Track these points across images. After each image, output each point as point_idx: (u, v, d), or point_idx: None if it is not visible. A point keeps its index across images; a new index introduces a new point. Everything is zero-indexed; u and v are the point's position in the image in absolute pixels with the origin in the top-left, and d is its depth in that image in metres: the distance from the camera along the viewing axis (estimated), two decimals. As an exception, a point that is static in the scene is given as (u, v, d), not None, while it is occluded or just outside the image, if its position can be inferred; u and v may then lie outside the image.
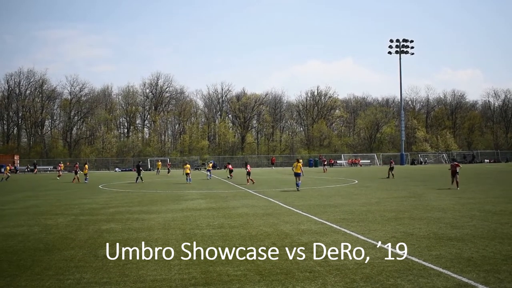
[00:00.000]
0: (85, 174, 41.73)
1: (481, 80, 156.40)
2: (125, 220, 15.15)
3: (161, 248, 10.42)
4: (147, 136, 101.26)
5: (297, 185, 25.94)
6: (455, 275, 7.74)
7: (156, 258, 9.44)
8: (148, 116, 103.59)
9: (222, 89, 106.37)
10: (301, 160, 28.01)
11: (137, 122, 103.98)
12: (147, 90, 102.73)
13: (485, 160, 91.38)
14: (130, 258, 9.45)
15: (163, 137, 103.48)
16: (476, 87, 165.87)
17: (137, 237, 11.85)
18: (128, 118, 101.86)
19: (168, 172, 59.23)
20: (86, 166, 42.64)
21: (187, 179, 36.05)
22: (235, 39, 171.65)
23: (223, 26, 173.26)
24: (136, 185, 34.89)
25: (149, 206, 19.29)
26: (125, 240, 11.45)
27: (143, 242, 11.06)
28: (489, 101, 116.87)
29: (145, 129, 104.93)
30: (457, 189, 24.58)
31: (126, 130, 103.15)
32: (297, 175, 25.99)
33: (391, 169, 40.00)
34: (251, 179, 33.36)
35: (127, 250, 10.21)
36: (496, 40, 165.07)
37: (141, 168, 40.18)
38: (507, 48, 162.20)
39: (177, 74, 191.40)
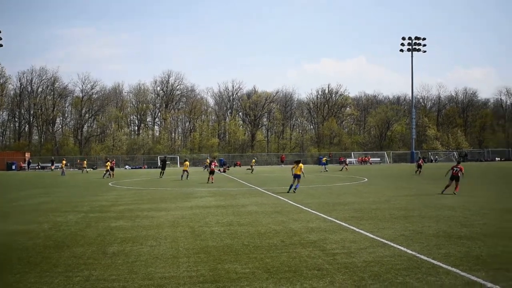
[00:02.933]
0: (107, 171, 43.77)
1: (494, 79, 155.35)
2: (134, 217, 15.19)
3: (169, 245, 10.45)
4: (157, 134, 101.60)
5: (291, 186, 23.97)
6: (463, 273, 7.70)
7: (164, 255, 9.47)
8: (159, 113, 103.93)
9: (233, 87, 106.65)
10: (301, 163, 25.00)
11: (147, 120, 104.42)
12: (158, 88, 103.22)
13: (496, 158, 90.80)
14: (139, 255, 9.49)
15: (173, 134, 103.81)
16: (489, 85, 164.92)
17: (146, 234, 11.89)
18: (138, 116, 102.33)
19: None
20: (108, 163, 44.80)
21: (182, 176, 37.41)
22: (247, 37, 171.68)
23: (235, 24, 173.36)
24: (145, 182, 35.03)
25: (158, 204, 19.34)
26: (134, 237, 11.49)
27: (152, 240, 11.10)
28: (501, 99, 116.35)
29: (155, 126, 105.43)
30: (454, 193, 21.31)
31: (136, 128, 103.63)
32: (296, 176, 23.92)
33: (420, 166, 43.17)
34: (212, 178, 32.71)
35: (136, 247, 10.25)
36: (510, 38, 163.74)
37: (167, 162, 41.62)
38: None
39: (188, 72, 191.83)
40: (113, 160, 47.75)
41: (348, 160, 74.78)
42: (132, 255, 9.49)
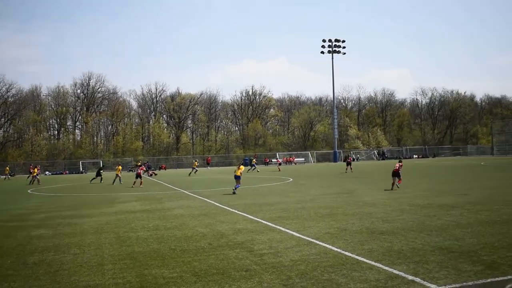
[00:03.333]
0: (35, 176, 41.95)
1: (409, 79, 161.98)
2: (56, 225, 14.68)
3: (94, 252, 10.18)
4: (78, 138, 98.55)
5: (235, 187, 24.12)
6: (386, 268, 7.97)
7: (89, 263, 9.21)
8: (80, 117, 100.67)
9: (156, 89, 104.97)
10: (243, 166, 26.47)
11: (68, 123, 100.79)
12: (78, 91, 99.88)
13: (414, 155, 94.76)
14: (62, 264, 9.17)
15: (95, 138, 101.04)
16: (405, 85, 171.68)
17: (69, 242, 11.51)
18: (58, 120, 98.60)
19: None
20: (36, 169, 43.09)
21: (114, 181, 36.92)
22: (169, 39, 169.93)
23: (156, 26, 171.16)
24: (68, 188, 33.97)
25: (81, 210, 18.78)
26: (56, 245, 11.09)
27: (75, 247, 10.77)
28: (417, 99, 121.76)
29: (76, 130, 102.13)
30: (398, 186, 23.11)
31: (56, 132, 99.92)
32: (236, 177, 24.26)
33: (349, 163, 45.73)
34: (141, 182, 32.61)
35: (59, 256, 9.91)
36: (422, 39, 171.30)
37: (101, 171, 42.13)
38: (432, 47, 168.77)
39: (110, 74, 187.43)
40: (37, 166, 45.87)
41: (275, 160, 76.20)
42: (55, 264, 9.16)
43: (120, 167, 38.92)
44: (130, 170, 72.36)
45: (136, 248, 10.52)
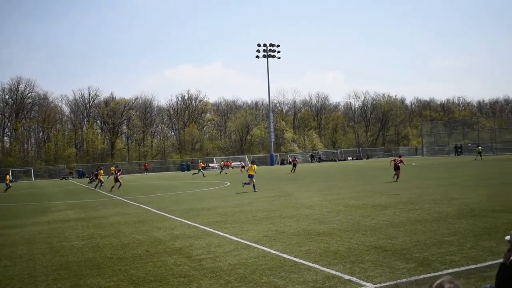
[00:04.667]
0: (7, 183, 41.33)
1: (343, 83, 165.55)
2: (-15, 236, 14.08)
3: (26, 264, 9.82)
4: (7, 146, 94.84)
5: (253, 186, 26.40)
6: (323, 268, 8.09)
7: (20, 275, 8.87)
8: (9, 124, 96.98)
9: (89, 94, 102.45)
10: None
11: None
12: (7, 96, 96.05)
13: (348, 157, 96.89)
14: (-9, 277, 8.80)
15: (25, 146, 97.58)
16: (339, 89, 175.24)
17: (-2, 254, 11.06)
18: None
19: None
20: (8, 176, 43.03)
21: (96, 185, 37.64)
22: (103, 41, 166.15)
23: (89, 28, 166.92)
24: (-4, 198, 32.70)
25: (12, 220, 18.10)
26: (-15, 258, 10.64)
27: (5, 259, 10.35)
28: (350, 102, 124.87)
29: (5, 138, 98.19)
30: (396, 182, 26.52)
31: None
32: (250, 176, 26.83)
33: (295, 165, 50.16)
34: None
35: (-13, 268, 9.50)
36: (354, 43, 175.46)
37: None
38: (364, 51, 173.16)
39: (40, 79, 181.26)
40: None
41: (213, 164, 76.02)
42: (-17, 278, 8.77)
43: (102, 171, 39.19)
44: (62, 178, 70.40)
45: (71, 257, 10.23)
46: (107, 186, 35.64)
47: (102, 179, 37.76)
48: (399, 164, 28.04)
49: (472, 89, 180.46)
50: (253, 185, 26.25)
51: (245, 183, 26.98)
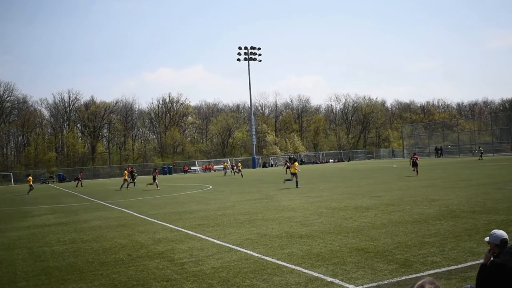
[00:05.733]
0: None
1: (324, 86, 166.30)
2: (-37, 242, 13.87)
3: (6, 270, 9.69)
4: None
5: (296, 182, 28.01)
6: (306, 271, 8.11)
7: (1, 281, 8.75)
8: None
9: (69, 98, 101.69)
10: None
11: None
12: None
13: (330, 160, 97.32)
14: (-30, 283, 8.68)
15: (5, 150, 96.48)
16: (320, 92, 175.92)
17: (-23, 260, 10.91)
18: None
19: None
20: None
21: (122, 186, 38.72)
22: (82, 44, 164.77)
23: (68, 30, 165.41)
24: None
25: (-10, 226, 17.86)
26: (-37, 264, 10.48)
27: (-16, 265, 10.22)
28: (331, 105, 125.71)
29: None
30: (416, 176, 30.14)
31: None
32: (293, 174, 28.35)
33: (288, 168, 48.65)
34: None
35: (-34, 275, 9.36)
36: (335, 46, 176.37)
37: (134, 174, 42.25)
38: (345, 53, 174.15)
39: (19, 83, 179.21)
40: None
41: (184, 167, 75.57)
42: (-39, 285, 8.65)
43: (127, 172, 39.60)
44: (43, 182, 69.71)
45: (52, 263, 10.13)
46: (84, 189, 35.31)
47: (127, 179, 38.95)
48: (417, 161, 32.03)
49: (451, 92, 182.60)
50: (296, 181, 27.96)
51: (287, 180, 29.64)
